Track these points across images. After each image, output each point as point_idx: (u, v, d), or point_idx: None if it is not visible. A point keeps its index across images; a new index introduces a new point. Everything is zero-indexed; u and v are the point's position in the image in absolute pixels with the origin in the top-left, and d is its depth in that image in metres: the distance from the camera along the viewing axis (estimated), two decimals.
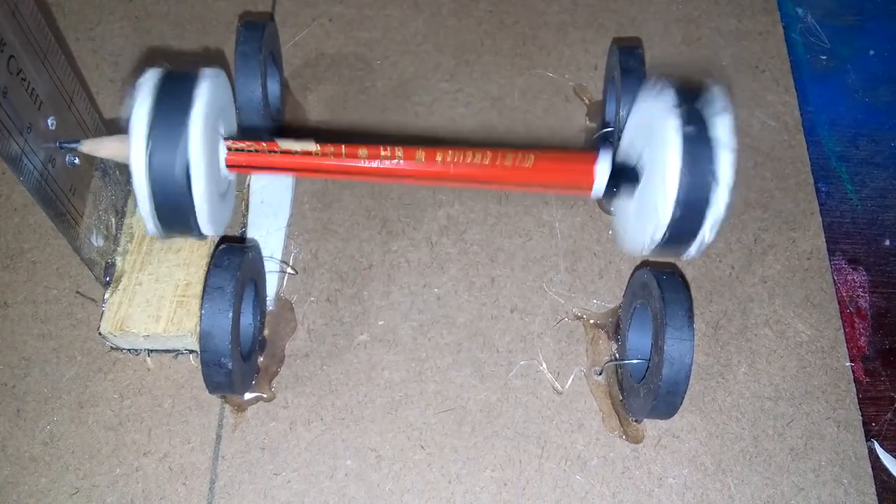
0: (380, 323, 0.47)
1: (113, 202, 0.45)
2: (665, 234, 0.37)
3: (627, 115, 0.45)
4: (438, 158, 0.39)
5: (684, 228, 0.37)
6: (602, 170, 0.39)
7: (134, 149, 0.34)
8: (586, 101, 0.55)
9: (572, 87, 0.56)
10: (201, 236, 0.37)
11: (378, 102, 0.55)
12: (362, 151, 0.39)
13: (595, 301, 0.48)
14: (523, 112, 0.55)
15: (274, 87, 0.51)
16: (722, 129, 0.36)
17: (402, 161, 0.39)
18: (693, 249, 0.37)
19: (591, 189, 0.39)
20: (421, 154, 0.39)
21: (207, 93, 0.35)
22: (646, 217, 0.38)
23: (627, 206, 0.41)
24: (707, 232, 0.36)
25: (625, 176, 0.39)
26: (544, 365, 0.46)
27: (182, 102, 0.35)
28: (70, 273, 0.47)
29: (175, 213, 0.35)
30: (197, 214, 0.35)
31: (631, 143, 0.41)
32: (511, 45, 0.58)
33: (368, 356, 0.46)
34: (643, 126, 0.40)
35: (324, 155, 0.39)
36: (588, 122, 0.54)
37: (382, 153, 0.39)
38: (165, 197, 0.35)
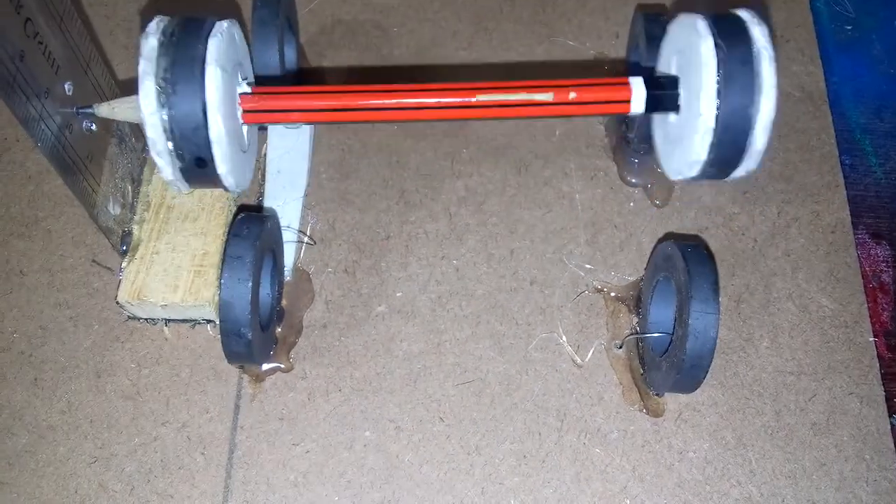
0: (398, 294, 0.46)
1: (129, 170, 0.44)
2: (704, 163, 0.37)
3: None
4: (474, 98, 0.38)
5: (725, 158, 0.37)
6: (638, 87, 0.38)
7: (144, 104, 0.33)
8: (608, 71, 0.54)
9: (593, 55, 0.55)
10: (223, 186, 0.36)
11: (395, 70, 0.54)
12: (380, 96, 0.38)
13: (615, 274, 0.47)
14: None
15: (290, 55, 0.50)
16: (759, 37, 0.35)
17: (433, 101, 0.38)
18: (749, 163, 0.38)
19: (628, 106, 0.39)
20: (441, 92, 0.38)
21: (222, 40, 0.34)
22: (684, 144, 0.38)
23: (667, 126, 0.40)
24: (759, 140, 0.36)
25: (663, 94, 0.39)
26: (564, 338, 0.45)
27: (195, 48, 0.34)
28: (85, 242, 0.47)
29: (196, 167, 0.35)
30: (215, 159, 0.35)
31: (667, 66, 0.41)
32: (530, 12, 0.57)
33: (387, 327, 0.45)
34: (679, 51, 0.39)
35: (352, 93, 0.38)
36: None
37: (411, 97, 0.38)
38: (183, 140, 0.34)
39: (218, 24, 0.35)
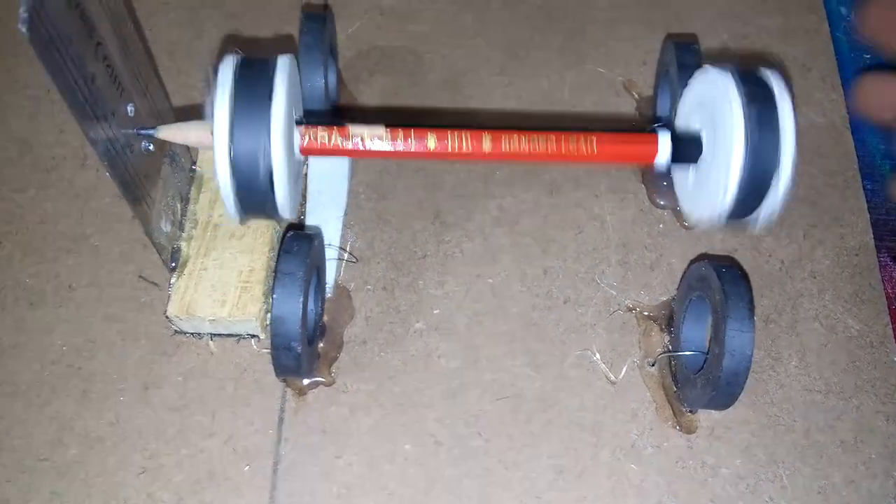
0: (435, 312, 0.48)
1: (179, 189, 0.46)
2: (728, 209, 0.39)
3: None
4: (505, 146, 0.40)
5: (747, 205, 0.38)
6: (663, 148, 0.40)
7: (218, 136, 0.35)
8: (636, 97, 0.56)
9: (622, 82, 0.57)
10: (279, 219, 0.38)
11: (430, 95, 0.56)
12: (431, 137, 0.40)
13: (646, 293, 0.49)
14: (574, 106, 0.56)
15: (332, 79, 0.52)
16: (784, 107, 0.37)
17: (469, 146, 0.40)
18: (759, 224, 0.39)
19: (653, 165, 0.41)
20: (487, 140, 0.40)
21: (287, 80, 0.36)
22: (709, 191, 0.39)
23: (688, 177, 0.42)
24: (774, 207, 0.38)
25: (685, 150, 0.40)
26: (598, 355, 0.47)
27: (263, 89, 0.35)
28: (133, 258, 0.48)
29: (256, 199, 0.36)
30: (276, 199, 0.36)
31: (688, 118, 0.42)
32: (561, 39, 0.58)
33: (425, 344, 0.47)
34: (702, 104, 0.40)
35: (392, 139, 0.40)
36: (638, 118, 0.55)
37: (450, 138, 0.40)
38: (247, 183, 0.35)
39: (282, 61, 0.36)
